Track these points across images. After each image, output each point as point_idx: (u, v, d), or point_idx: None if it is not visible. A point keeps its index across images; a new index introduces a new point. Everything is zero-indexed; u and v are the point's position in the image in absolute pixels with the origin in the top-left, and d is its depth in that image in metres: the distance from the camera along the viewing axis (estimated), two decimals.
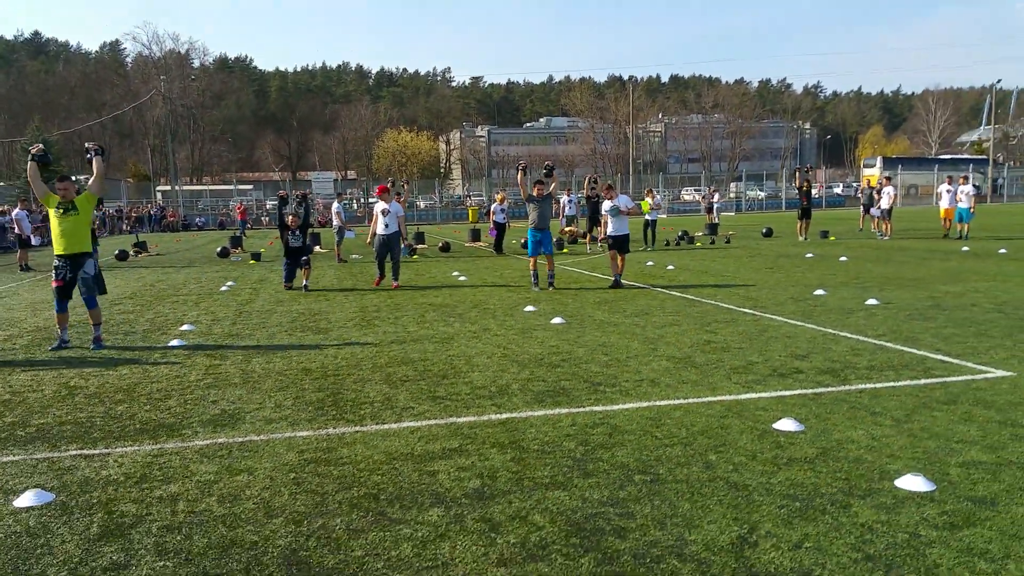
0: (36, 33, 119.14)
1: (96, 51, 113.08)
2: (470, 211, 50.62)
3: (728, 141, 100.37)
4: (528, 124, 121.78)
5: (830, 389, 6.14)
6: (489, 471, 4.38)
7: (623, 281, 12.92)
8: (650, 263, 17.03)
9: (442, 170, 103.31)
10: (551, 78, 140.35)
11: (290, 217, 13.21)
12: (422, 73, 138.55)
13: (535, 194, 12.60)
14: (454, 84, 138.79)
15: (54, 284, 8.33)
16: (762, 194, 69.33)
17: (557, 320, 9.55)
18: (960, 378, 6.42)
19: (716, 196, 37.71)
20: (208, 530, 3.61)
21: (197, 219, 51.25)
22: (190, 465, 4.51)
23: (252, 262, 19.94)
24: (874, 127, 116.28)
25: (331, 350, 8.01)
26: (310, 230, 14.61)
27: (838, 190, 69.86)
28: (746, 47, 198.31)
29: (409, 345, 8.19)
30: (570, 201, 25.48)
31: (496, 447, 4.80)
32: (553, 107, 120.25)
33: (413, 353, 7.76)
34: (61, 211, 8.30)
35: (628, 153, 77.45)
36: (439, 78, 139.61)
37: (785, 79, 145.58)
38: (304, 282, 13.24)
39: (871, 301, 10.52)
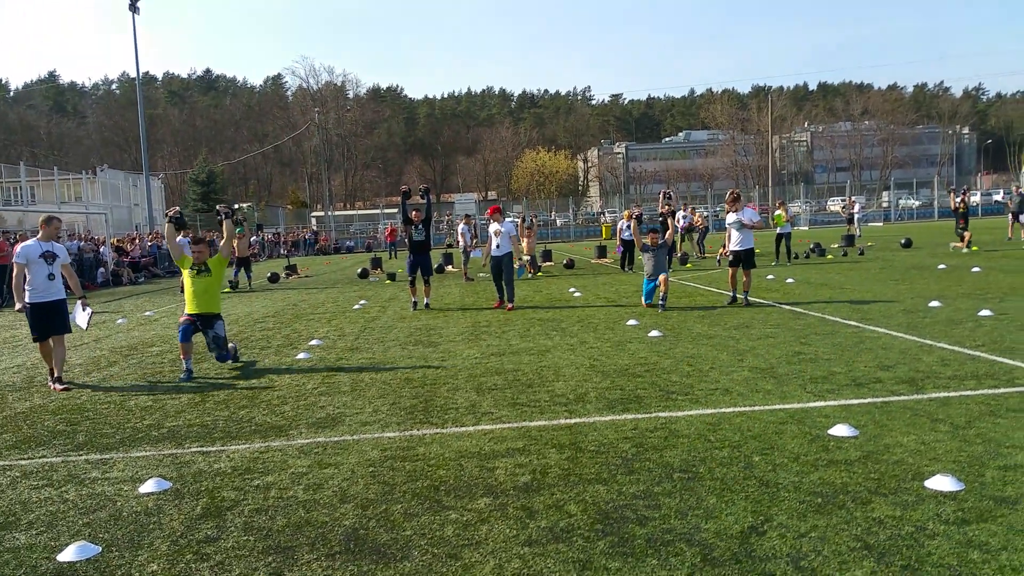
0: (207, 71, 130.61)
1: (260, 85, 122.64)
2: (603, 228, 51.00)
3: (879, 148, 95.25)
4: (667, 139, 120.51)
5: (901, 398, 6.15)
6: (543, 468, 4.84)
7: (751, 299, 12.49)
8: (770, 277, 16.80)
9: (580, 187, 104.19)
10: (692, 91, 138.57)
11: (413, 212, 13.59)
12: (563, 93, 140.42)
13: (649, 243, 12.63)
14: (594, 103, 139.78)
15: (182, 320, 8.77)
16: (915, 203, 65.28)
17: (654, 333, 9.82)
18: None
19: (856, 206, 36.14)
20: (289, 512, 4.29)
21: (347, 242, 54.51)
22: (288, 460, 5.25)
23: (388, 282, 21.27)
24: None
25: (436, 361, 8.71)
26: (433, 243, 15.03)
27: (998, 197, 64.41)
28: (901, 51, 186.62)
29: (507, 357, 8.76)
30: (685, 217, 24.92)
31: (555, 447, 5.24)
32: (694, 121, 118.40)
33: (508, 364, 8.31)
34: (195, 272, 8.76)
35: (770, 164, 75.25)
36: (579, 97, 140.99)
37: (943, 82, 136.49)
38: (426, 300, 13.95)
39: (984, 312, 10.10)
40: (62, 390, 8.13)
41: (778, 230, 21.43)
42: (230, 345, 9.10)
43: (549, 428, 5.75)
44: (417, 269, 13.76)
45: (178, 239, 9.09)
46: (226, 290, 20.32)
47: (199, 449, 5.63)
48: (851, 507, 4.02)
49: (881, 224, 53.30)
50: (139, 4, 34.92)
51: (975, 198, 57.46)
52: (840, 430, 5.30)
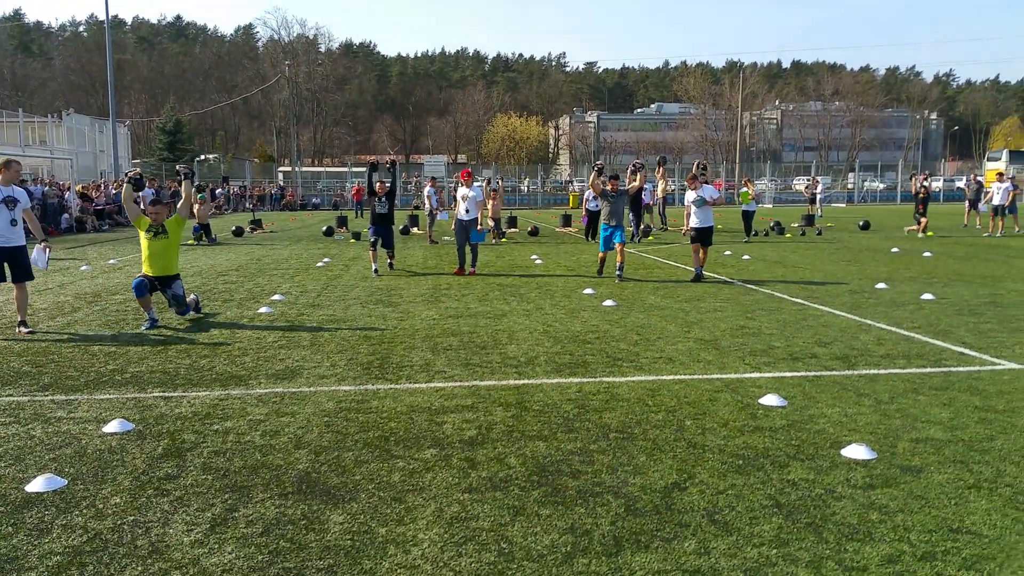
0: (178, 17, 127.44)
1: (231, 34, 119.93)
2: (571, 196, 51.19)
3: (848, 130, 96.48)
4: (639, 110, 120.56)
5: (833, 372, 6.56)
6: (488, 424, 5.14)
7: (705, 274, 12.80)
8: (728, 252, 17.23)
9: (550, 155, 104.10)
10: (667, 63, 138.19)
11: (378, 184, 13.69)
12: (537, 58, 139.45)
13: (609, 189, 12.87)
14: (568, 69, 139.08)
15: (137, 278, 8.66)
16: (880, 185, 66.48)
17: (608, 303, 10.16)
18: (968, 368, 6.69)
19: (819, 187, 36.79)
20: (246, 456, 4.55)
21: (314, 199, 54.09)
22: (247, 408, 5.49)
23: (352, 241, 21.36)
24: (1009, 118, 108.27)
25: (394, 321, 8.96)
26: (396, 199, 15.13)
27: (960, 184, 65.91)
28: (875, 33, 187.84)
29: (464, 319, 9.04)
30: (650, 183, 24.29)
31: (502, 406, 5.55)
32: (667, 93, 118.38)
33: (464, 326, 8.60)
34: (152, 234, 8.70)
35: (739, 141, 75.96)
36: (553, 64, 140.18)
37: (914, 67, 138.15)
38: (389, 262, 14.13)
39: (927, 296, 10.59)
40: (27, 333, 8.21)
41: (743, 207, 21.62)
42: (191, 297, 9.25)
43: (498, 388, 6.05)
44: (378, 240, 13.71)
45: (144, 191, 9.17)
46: (189, 241, 20.26)
47: (161, 394, 5.84)
48: (768, 469, 4.38)
49: (844, 205, 54.23)
50: None
51: (937, 184, 58.54)
52: (770, 400, 5.67)
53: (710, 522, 3.69)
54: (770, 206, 52.49)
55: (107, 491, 4.02)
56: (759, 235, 22.32)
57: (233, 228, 24.42)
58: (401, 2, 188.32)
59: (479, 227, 13.96)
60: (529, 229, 24.61)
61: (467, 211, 13.78)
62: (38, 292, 11.30)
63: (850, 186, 63.69)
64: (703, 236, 12.64)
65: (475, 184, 14.39)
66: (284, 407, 5.52)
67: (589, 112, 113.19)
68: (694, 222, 12.75)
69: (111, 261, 16.03)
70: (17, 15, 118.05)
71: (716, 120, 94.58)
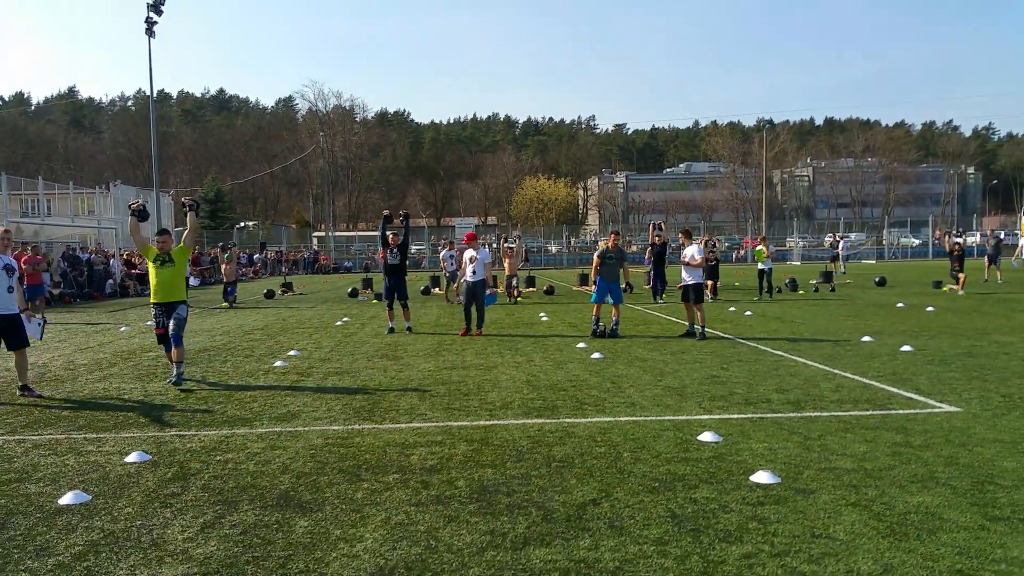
0: (221, 90, 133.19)
1: (271, 106, 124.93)
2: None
3: (881, 186, 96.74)
4: (668, 170, 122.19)
5: (778, 415, 7.26)
6: (449, 456, 5.96)
7: (707, 332, 13.03)
8: (732, 309, 17.92)
9: (579, 215, 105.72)
10: (696, 123, 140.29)
11: (391, 235, 14.20)
12: (567, 121, 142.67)
13: (611, 248, 13.62)
14: (597, 131, 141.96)
15: (157, 332, 9.24)
16: (914, 242, 66.44)
17: (596, 355, 10.94)
18: (907, 411, 7.35)
19: (842, 243, 37.31)
20: (239, 478, 5.43)
21: (346, 262, 55.87)
22: (247, 443, 6.39)
23: (374, 301, 22.45)
24: None
25: (393, 372, 9.85)
26: (408, 259, 15.42)
27: (977, 239, 65.36)
28: (911, 89, 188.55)
29: (456, 371, 9.90)
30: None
31: (466, 442, 6.36)
32: (697, 152, 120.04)
33: (455, 376, 9.45)
34: (159, 263, 8.97)
35: (770, 199, 76.54)
36: (583, 126, 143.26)
37: (951, 121, 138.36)
38: (407, 324, 14.37)
39: (905, 348, 11.18)
40: (34, 397, 8.41)
41: (760, 266, 21.49)
42: (175, 371, 9.02)
43: (468, 427, 6.88)
44: (393, 294, 14.19)
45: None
46: (223, 304, 21.54)
47: (177, 433, 6.79)
48: (678, 490, 5.12)
49: (873, 262, 54.45)
50: (155, 28, 36.49)
51: (972, 239, 58.34)
52: (707, 436, 6.40)
53: (609, 527, 4.45)
54: (798, 263, 52.91)
55: (122, 503, 4.92)
56: (772, 292, 21.80)
57: (265, 291, 25.76)
58: (434, 71, 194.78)
59: (489, 291, 14.20)
60: (545, 288, 25.48)
61: (474, 272, 14.29)
62: (80, 351, 12.45)
63: (884, 242, 63.72)
64: (689, 293, 13.26)
65: (482, 248, 14.92)
66: (279, 443, 6.40)
67: (618, 173, 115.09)
68: (687, 279, 13.42)
69: (148, 323, 17.24)
70: (71, 92, 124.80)
71: (746, 178, 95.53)
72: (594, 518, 4.60)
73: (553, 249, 63.67)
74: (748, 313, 16.98)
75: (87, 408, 7.96)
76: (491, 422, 7.07)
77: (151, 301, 9.21)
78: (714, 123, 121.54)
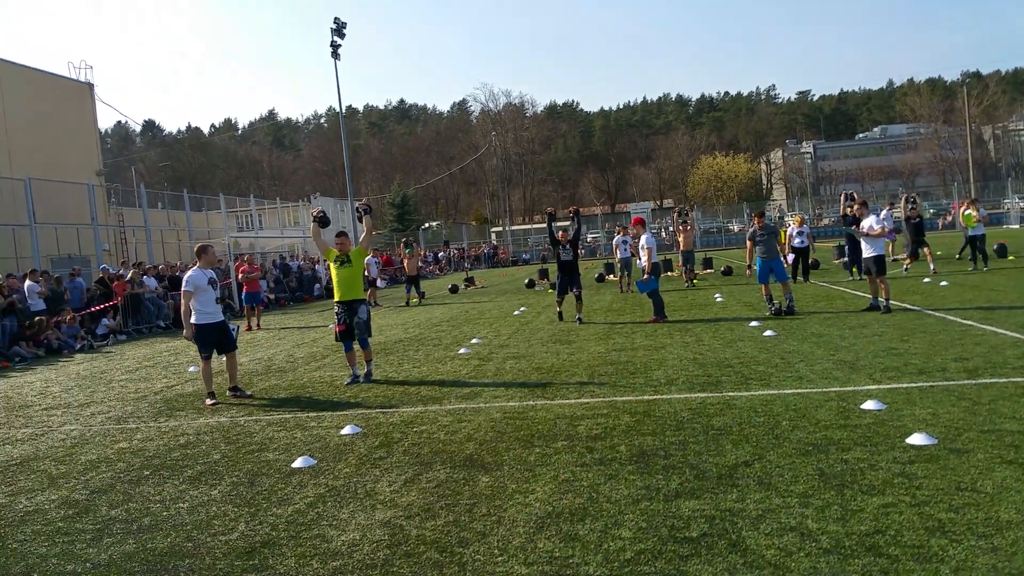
0: (401, 101, 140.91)
1: (447, 111, 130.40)
2: (782, 233, 50.27)
3: None
4: (861, 135, 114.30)
5: (949, 382, 7.23)
6: (613, 426, 6.53)
7: (892, 304, 12.66)
8: (926, 280, 17.02)
9: (764, 190, 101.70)
10: (891, 83, 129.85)
11: (560, 232, 14.83)
12: (744, 94, 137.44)
13: (758, 228, 13.56)
14: (778, 101, 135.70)
15: (337, 329, 9.69)
16: None
17: (768, 333, 11.03)
18: None
19: None
20: (433, 445, 6.32)
21: (524, 255, 57.60)
22: (438, 418, 7.32)
23: (550, 291, 23.33)
24: None
25: (565, 355, 10.55)
26: (581, 247, 15.62)
27: None
28: None
29: (625, 352, 10.42)
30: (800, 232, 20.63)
31: (630, 414, 6.91)
32: (893, 114, 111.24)
33: (624, 357, 9.98)
34: (339, 264, 9.56)
35: (981, 157, 69.67)
36: (762, 97, 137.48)
37: None
38: (578, 316, 14.51)
39: None
40: (240, 397, 9.14)
41: (969, 232, 19.64)
42: (367, 369, 9.78)
43: (632, 401, 7.41)
44: (567, 289, 14.44)
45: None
46: (413, 300, 23.26)
47: (381, 410, 7.88)
48: (831, 452, 5.39)
49: None
50: (339, 51, 39.63)
51: None
52: (870, 404, 6.53)
53: (757, 483, 4.84)
54: (1016, 226, 48.20)
55: (341, 466, 5.94)
56: (987, 260, 19.57)
57: (449, 286, 27.48)
58: (602, 59, 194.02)
59: (645, 276, 14.24)
60: (722, 269, 25.25)
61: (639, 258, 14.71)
62: (297, 346, 14.22)
63: None
64: (869, 265, 12.90)
65: (648, 233, 15.10)
66: (464, 417, 7.28)
67: (804, 142, 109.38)
68: (866, 252, 13.03)
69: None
70: (272, 115, 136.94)
71: (950, 137, 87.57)
72: (744, 476, 5.00)
73: (735, 228, 61.96)
74: (944, 284, 16.06)
75: (307, 394, 9.29)
76: (655, 397, 7.55)
77: (334, 299, 9.79)
78: (910, 81, 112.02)
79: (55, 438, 7.92)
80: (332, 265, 9.70)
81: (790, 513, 4.31)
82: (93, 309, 19.09)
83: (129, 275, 20.62)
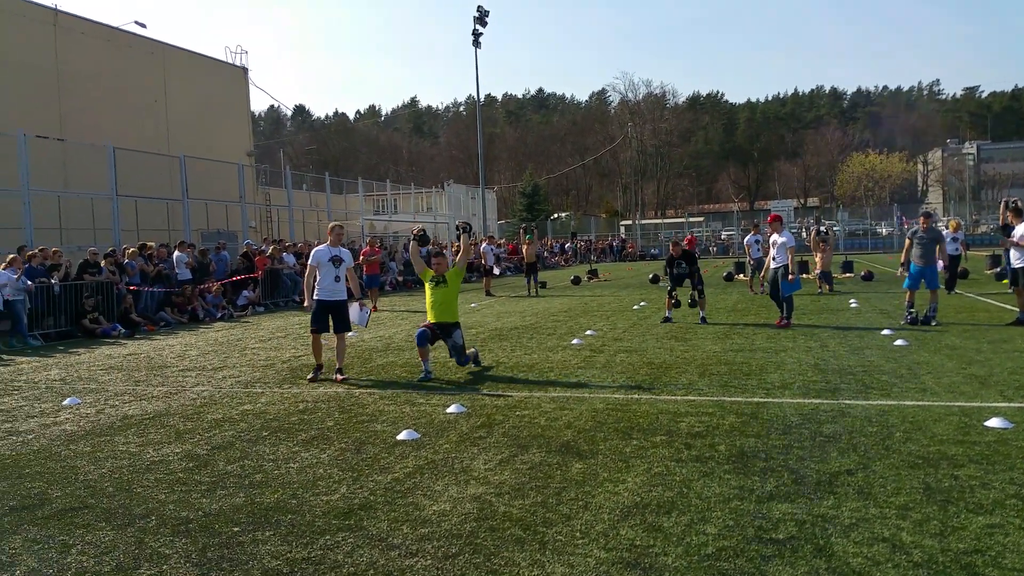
0: (540, 90, 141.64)
1: (585, 101, 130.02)
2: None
3: None
4: None
5: None
6: (717, 425, 6.44)
7: None
8: None
9: (920, 192, 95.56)
10: None
11: (672, 245, 14.28)
12: (904, 88, 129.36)
13: (922, 229, 12.85)
14: (942, 97, 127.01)
15: (422, 326, 9.38)
16: None
17: (899, 342, 10.46)
18: None
19: None
20: (532, 429, 6.45)
21: (652, 250, 56.78)
22: (541, 404, 7.45)
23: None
24: None
25: (678, 352, 10.42)
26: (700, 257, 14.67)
27: None
28: None
29: (742, 353, 10.17)
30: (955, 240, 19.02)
31: (736, 415, 6.78)
32: None
33: (739, 358, 9.75)
34: (434, 284, 9.39)
35: None
36: (924, 93, 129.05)
37: None
38: (701, 314, 14.03)
39: None
40: (342, 380, 9.09)
41: None
42: (470, 351, 9.67)
43: (741, 403, 7.26)
44: (680, 284, 13.88)
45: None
46: (535, 292, 23.47)
47: (487, 393, 8.11)
48: (942, 467, 5.12)
49: None
50: (480, 39, 40.41)
51: None
52: (994, 422, 6.12)
53: (856, 493, 4.68)
54: None
55: (442, 441, 6.18)
56: None
57: (572, 278, 27.56)
58: (751, 47, 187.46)
59: (790, 276, 13.36)
60: (863, 274, 24.03)
61: (774, 258, 13.83)
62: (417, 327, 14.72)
63: None
64: (1021, 276, 12.00)
65: (785, 231, 14.36)
66: (566, 405, 7.37)
67: (968, 142, 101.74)
68: (1015, 262, 12.13)
69: (472, 305, 19.63)
70: (413, 102, 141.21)
71: None
72: (844, 484, 4.84)
73: (883, 231, 58.58)
74: None
75: (420, 371, 9.64)
76: (765, 400, 7.37)
77: (427, 319, 9.51)
78: None
79: (186, 397, 8.64)
80: (427, 286, 9.51)
81: (885, 524, 4.15)
82: (234, 279, 20.44)
83: (270, 251, 21.95)
